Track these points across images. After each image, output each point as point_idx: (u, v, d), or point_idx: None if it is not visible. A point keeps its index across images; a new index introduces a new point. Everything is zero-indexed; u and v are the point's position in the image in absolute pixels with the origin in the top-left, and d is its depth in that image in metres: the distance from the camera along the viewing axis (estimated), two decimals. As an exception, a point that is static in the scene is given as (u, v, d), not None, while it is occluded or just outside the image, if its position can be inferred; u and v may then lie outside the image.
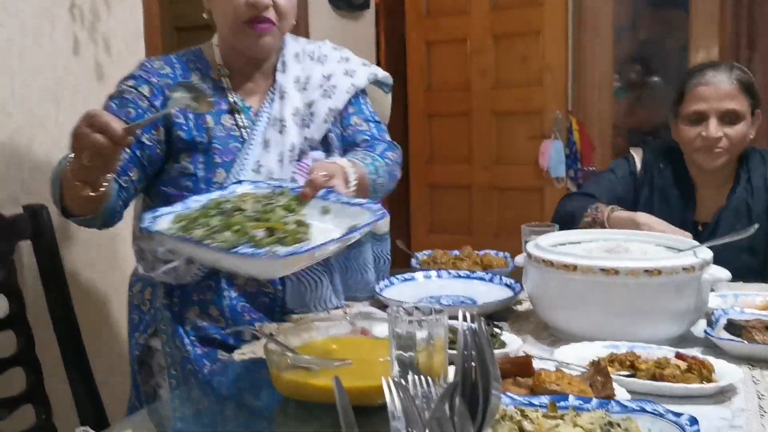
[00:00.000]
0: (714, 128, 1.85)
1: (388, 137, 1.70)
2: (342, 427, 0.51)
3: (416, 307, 1.04)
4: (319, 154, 1.59)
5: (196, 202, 1.29)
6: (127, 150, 1.41)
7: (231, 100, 1.55)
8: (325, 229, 1.24)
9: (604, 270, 1.27)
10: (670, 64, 4.49)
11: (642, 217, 1.75)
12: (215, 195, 1.32)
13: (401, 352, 1.00)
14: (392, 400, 0.57)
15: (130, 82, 1.50)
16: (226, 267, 1.34)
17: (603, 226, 1.82)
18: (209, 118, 1.51)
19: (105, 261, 2.11)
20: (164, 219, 1.22)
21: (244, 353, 1.34)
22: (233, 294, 1.48)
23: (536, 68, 4.21)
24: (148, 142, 1.47)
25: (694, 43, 4.41)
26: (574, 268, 1.30)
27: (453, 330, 1.27)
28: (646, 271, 1.26)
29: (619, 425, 0.86)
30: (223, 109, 1.54)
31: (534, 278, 1.41)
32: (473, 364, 0.57)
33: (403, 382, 0.57)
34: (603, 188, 2.00)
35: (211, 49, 1.60)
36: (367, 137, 1.66)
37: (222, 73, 1.57)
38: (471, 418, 0.54)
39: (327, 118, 1.59)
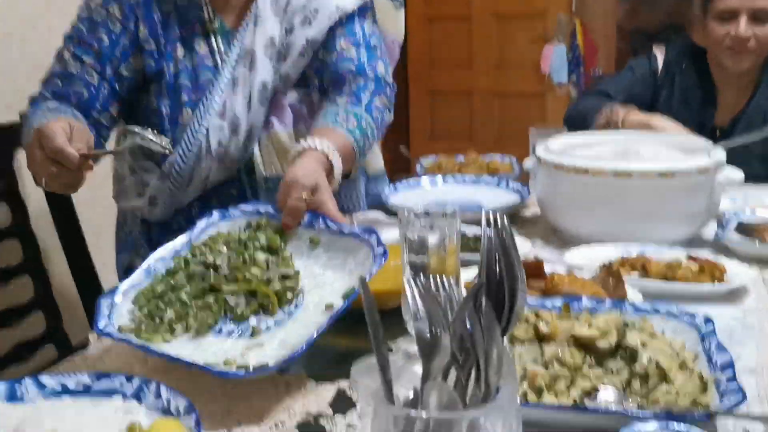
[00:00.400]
0: (744, 27, 1.78)
1: (380, 68, 1.42)
2: (369, 329, 0.50)
3: (427, 212, 1.04)
4: (293, 97, 1.39)
5: (160, 261, 1.02)
6: (106, 83, 1.30)
7: (206, 17, 1.34)
8: (317, 276, 1.01)
9: (616, 173, 1.25)
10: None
11: (658, 120, 1.71)
12: (180, 242, 1.05)
13: (413, 255, 0.99)
14: (414, 300, 0.56)
15: (97, 0, 1.32)
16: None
17: (617, 129, 1.78)
18: (179, 47, 1.32)
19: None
20: (122, 307, 0.94)
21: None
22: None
23: (540, -32, 4.05)
24: (126, 73, 1.32)
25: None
26: (586, 171, 1.28)
27: (466, 237, 1.28)
28: (660, 173, 1.24)
29: (634, 325, 0.86)
30: (196, 32, 1.34)
31: (544, 182, 1.39)
32: (498, 263, 0.55)
33: (425, 282, 0.55)
34: (620, 87, 1.93)
35: None
36: (352, 68, 1.38)
37: None
38: (497, 318, 0.53)
39: (304, 52, 1.36)
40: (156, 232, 1.41)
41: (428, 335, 0.54)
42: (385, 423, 0.47)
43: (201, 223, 1.09)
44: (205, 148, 1.31)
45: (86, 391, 0.77)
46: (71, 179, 1.02)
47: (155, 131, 1.14)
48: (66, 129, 1.01)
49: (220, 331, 0.92)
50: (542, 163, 1.37)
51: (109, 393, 0.76)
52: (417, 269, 0.98)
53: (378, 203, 1.64)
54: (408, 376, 0.56)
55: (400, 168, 1.51)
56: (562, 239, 1.38)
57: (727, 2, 1.81)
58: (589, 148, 1.47)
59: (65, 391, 0.77)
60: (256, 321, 0.93)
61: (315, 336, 0.84)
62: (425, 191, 1.69)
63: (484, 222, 0.57)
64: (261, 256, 1.01)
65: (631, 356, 0.81)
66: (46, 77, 1.33)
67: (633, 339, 0.82)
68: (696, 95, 1.91)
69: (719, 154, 1.31)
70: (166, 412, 0.73)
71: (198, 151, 1.31)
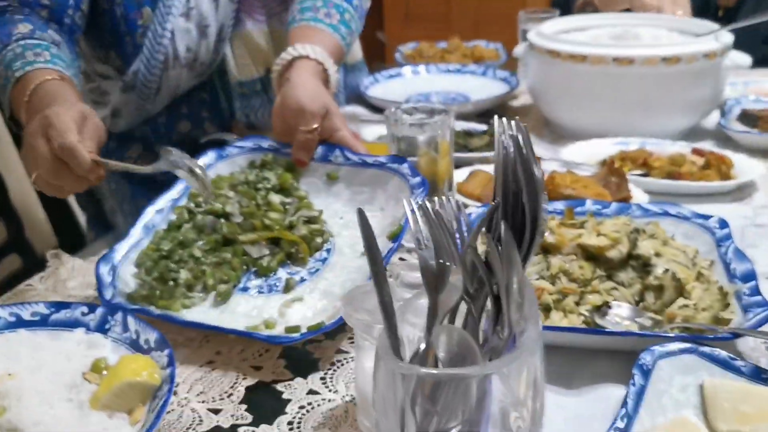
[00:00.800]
0: None
1: None
2: (369, 267, 0.42)
3: (416, 107, 0.94)
4: None
5: (158, 214, 0.87)
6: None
7: None
8: (341, 214, 0.88)
9: (617, 59, 1.15)
10: None
11: None
12: (177, 190, 0.90)
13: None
14: (417, 225, 0.48)
15: None
16: None
17: (593, 5, 1.65)
18: None
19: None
20: (125, 272, 0.80)
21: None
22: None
23: None
24: (79, 21, 1.10)
25: None
26: (584, 58, 1.17)
27: (458, 133, 1.18)
28: (664, 59, 1.14)
29: (644, 231, 0.79)
30: None
31: (536, 70, 1.29)
32: (515, 178, 0.47)
33: (428, 203, 0.47)
34: None
35: None
36: None
37: None
38: (516, 242, 0.45)
39: None
40: (114, 143, 1.25)
41: (435, 266, 0.46)
42: (392, 378, 0.40)
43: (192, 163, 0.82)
44: (172, 55, 1.15)
45: (43, 322, 0.69)
46: (73, 184, 0.80)
47: (197, 164, 0.80)
48: (77, 121, 0.80)
49: (245, 289, 0.79)
50: (535, 50, 1.26)
51: (70, 325, 0.68)
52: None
53: (356, 95, 1.52)
54: (415, 308, 0.49)
55: (375, 56, 1.36)
56: (556, 132, 1.29)
57: None
58: (584, 32, 1.36)
59: (20, 323, 0.69)
60: (286, 273, 0.80)
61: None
62: (407, 82, 1.57)
63: (497, 128, 0.48)
64: (275, 198, 0.87)
65: (644, 266, 0.74)
66: None
67: (645, 248, 0.75)
68: None
69: (726, 36, 1.21)
70: (135, 346, 0.65)
71: (164, 59, 1.15)
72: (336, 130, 0.92)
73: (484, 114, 1.40)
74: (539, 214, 0.46)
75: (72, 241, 1.59)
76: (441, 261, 0.46)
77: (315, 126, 0.90)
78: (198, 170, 0.77)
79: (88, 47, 1.23)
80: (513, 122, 0.49)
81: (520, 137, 0.48)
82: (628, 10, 1.55)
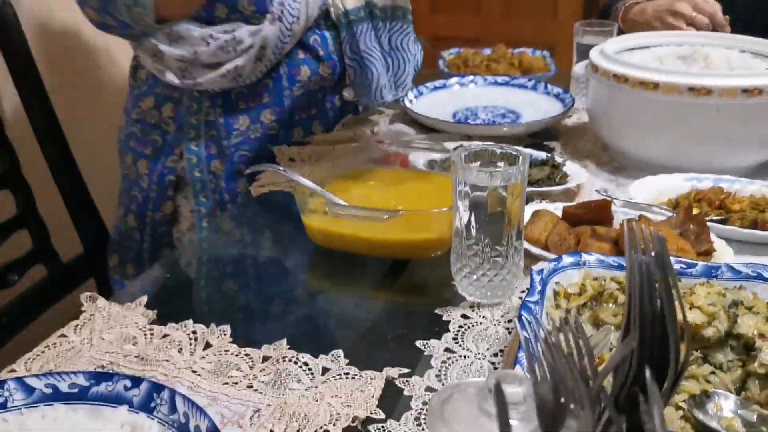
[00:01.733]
0: None
1: None
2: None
3: (482, 149, 0.86)
4: None
5: None
6: None
7: None
8: None
9: (693, 89, 1.06)
10: None
11: (683, 5, 1.47)
12: None
13: (467, 201, 0.83)
14: (529, 350, 0.41)
15: None
16: None
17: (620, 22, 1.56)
18: None
19: (90, 61, 1.85)
20: None
21: (263, 185, 1.16)
22: (296, 90, 1.26)
23: None
24: None
25: None
26: (655, 86, 1.09)
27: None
28: (745, 90, 1.05)
29: (742, 303, 0.71)
30: None
31: (599, 93, 1.20)
32: (650, 307, 0.39)
33: (552, 337, 0.39)
34: None
35: None
36: None
37: None
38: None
39: None
40: (223, 114, 1.25)
41: (553, 405, 0.39)
42: None
43: None
44: None
45: (82, 396, 0.62)
46: None
47: None
48: None
49: None
50: (599, 73, 1.17)
51: (111, 400, 0.62)
52: (472, 214, 0.82)
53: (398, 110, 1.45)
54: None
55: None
56: (616, 161, 1.21)
57: None
58: (647, 51, 1.27)
59: (57, 395, 0.63)
60: None
61: None
62: (454, 95, 1.49)
63: (627, 241, 0.40)
64: None
65: (746, 347, 0.66)
66: None
67: (747, 325, 0.67)
68: None
69: (809, 64, 1.12)
70: (183, 430, 0.59)
71: None
72: None
73: (535, 134, 1.33)
74: (683, 356, 0.39)
75: (98, 247, 1.54)
76: (562, 400, 0.39)
77: None
78: None
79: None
80: (644, 226, 0.41)
81: (659, 250, 0.40)
82: None
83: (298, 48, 1.26)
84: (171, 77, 1.19)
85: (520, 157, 0.80)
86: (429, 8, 4.16)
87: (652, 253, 0.40)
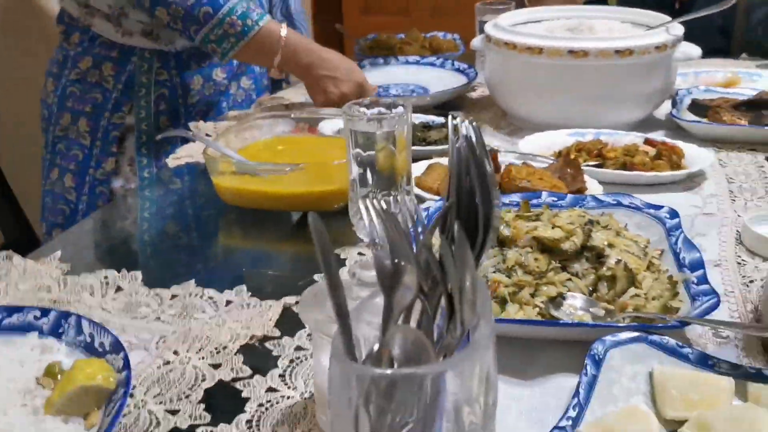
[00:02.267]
0: None
1: None
2: (324, 274, 0.42)
3: (373, 102, 0.94)
4: None
5: None
6: None
7: None
8: None
9: (572, 52, 1.16)
10: None
11: None
12: None
13: (359, 151, 0.90)
14: (372, 224, 0.48)
15: None
16: None
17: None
18: None
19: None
20: None
21: (179, 157, 1.21)
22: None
23: None
24: None
25: None
26: (540, 51, 1.18)
27: (416, 126, 1.19)
28: (617, 51, 1.16)
29: (598, 222, 0.80)
30: None
31: (494, 63, 1.30)
32: (469, 177, 0.47)
33: (383, 203, 0.47)
34: None
35: None
36: None
37: None
38: (469, 242, 0.45)
39: None
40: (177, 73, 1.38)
41: (390, 266, 0.47)
42: (346, 379, 0.40)
43: None
44: None
45: (-5, 327, 0.68)
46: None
47: None
48: None
49: None
50: (492, 42, 1.27)
51: (22, 329, 0.67)
52: (364, 166, 0.90)
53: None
54: (371, 307, 0.49)
55: (333, 47, 1.38)
56: (513, 125, 1.30)
57: None
58: (540, 24, 1.37)
59: (-29, 328, 0.67)
60: None
61: None
62: (367, 75, 1.56)
63: (451, 129, 0.48)
64: None
65: (598, 258, 0.75)
66: None
67: (599, 239, 0.76)
68: None
69: (677, 29, 1.23)
70: (90, 349, 0.64)
71: None
72: None
73: (442, 106, 1.41)
74: (492, 213, 0.47)
75: (21, 238, 1.56)
76: (396, 260, 0.47)
77: None
78: None
79: None
80: (466, 122, 0.49)
81: (473, 137, 0.48)
82: None
83: None
84: (137, 42, 1.33)
85: (404, 107, 0.88)
86: (360, 10, 4.26)
87: (471, 138, 0.48)
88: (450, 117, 0.49)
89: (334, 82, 1.31)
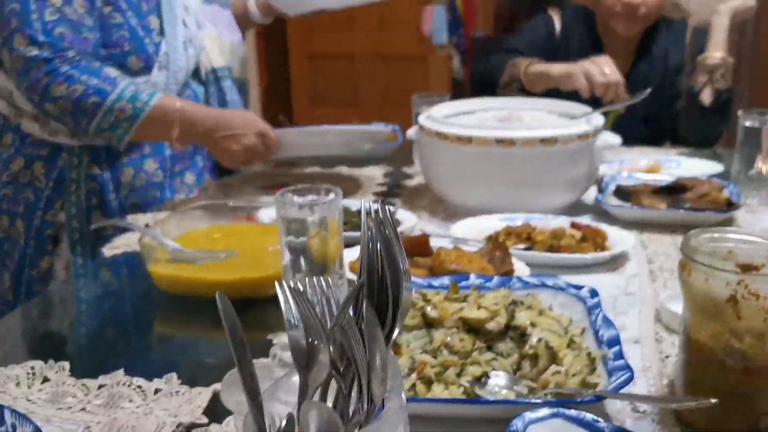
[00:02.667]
0: None
1: None
2: (233, 353, 0.43)
3: (305, 189, 0.97)
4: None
5: None
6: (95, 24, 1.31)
7: None
8: None
9: (499, 141, 1.23)
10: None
11: (556, 68, 1.68)
12: None
13: (292, 238, 0.93)
14: (288, 306, 0.50)
15: None
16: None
17: (520, 83, 1.77)
18: None
19: None
20: None
21: (117, 246, 1.22)
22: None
23: (418, -76, 4.00)
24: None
25: None
26: (469, 140, 1.24)
27: (353, 213, 1.22)
28: (542, 140, 1.22)
29: (522, 303, 0.83)
30: None
31: (427, 152, 1.35)
32: (379, 258, 0.50)
33: (299, 285, 0.49)
34: (525, 42, 1.90)
35: None
36: None
37: None
38: (380, 321, 0.47)
39: None
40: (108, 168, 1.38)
41: (305, 345, 0.48)
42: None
43: None
44: (187, 38, 1.41)
45: None
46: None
47: None
48: None
49: None
50: (425, 132, 1.33)
51: (-60, 421, 0.66)
52: (297, 252, 0.92)
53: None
54: (287, 387, 0.50)
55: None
56: (448, 210, 1.35)
57: None
58: (472, 116, 1.44)
59: None
60: None
61: None
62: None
63: (363, 211, 0.51)
64: None
65: (521, 336, 0.78)
66: (40, 28, 1.25)
67: (522, 318, 0.79)
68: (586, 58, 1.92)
69: (598, 119, 1.31)
70: (10, 440, 0.63)
71: (183, 41, 1.40)
72: None
73: (382, 194, 1.46)
74: (401, 293, 0.49)
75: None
76: (310, 339, 0.48)
77: None
78: None
79: None
80: (377, 204, 0.52)
81: (382, 218, 0.51)
82: (556, 90, 1.67)
83: None
84: (64, 139, 1.34)
85: (334, 194, 0.91)
86: (306, 28, 4.37)
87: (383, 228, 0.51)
88: (362, 201, 0.52)
89: (234, 139, 1.31)
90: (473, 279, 0.92)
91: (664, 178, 1.41)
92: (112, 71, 1.30)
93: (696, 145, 1.80)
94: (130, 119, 1.27)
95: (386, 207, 0.51)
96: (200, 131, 1.32)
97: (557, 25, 1.96)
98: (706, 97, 1.74)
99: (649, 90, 1.44)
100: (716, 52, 1.73)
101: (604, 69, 1.62)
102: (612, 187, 1.37)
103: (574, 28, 1.94)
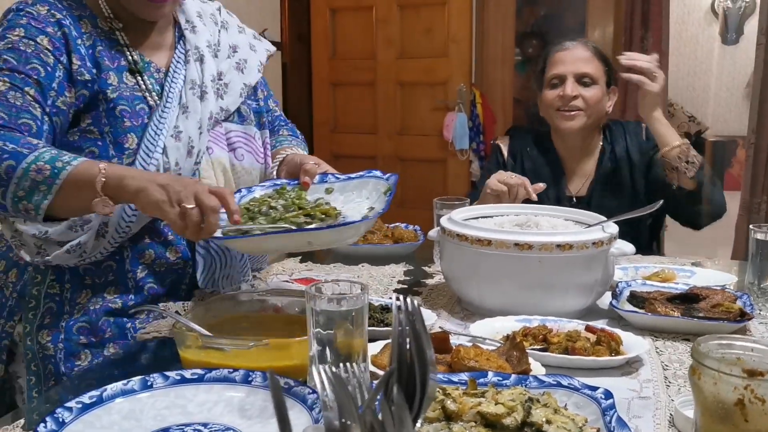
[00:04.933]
0: (570, 87, 1.96)
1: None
2: (278, 426, 0.48)
3: (334, 283, 1.02)
4: (235, 126, 1.49)
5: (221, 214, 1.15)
6: (47, 117, 1.25)
7: (130, 58, 1.36)
8: (347, 202, 1.36)
9: (517, 244, 1.28)
10: (567, 40, 4.61)
11: (491, 180, 1.80)
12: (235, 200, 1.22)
13: (319, 329, 0.97)
14: (324, 388, 0.54)
15: (19, 32, 1.26)
16: (287, 247, 1.44)
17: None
18: (113, 74, 1.32)
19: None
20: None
21: (148, 333, 1.27)
22: (139, 273, 1.34)
23: (441, 39, 4.22)
24: (63, 107, 1.27)
25: (591, 20, 4.55)
26: (489, 242, 1.30)
27: (375, 308, 1.27)
28: (559, 245, 1.28)
29: (538, 401, 0.86)
30: (123, 66, 1.35)
31: (447, 253, 1.41)
32: (408, 348, 0.54)
33: (333, 368, 0.54)
34: (485, 172, 2.05)
35: None
36: (282, 123, 1.68)
37: (115, 26, 1.36)
38: (408, 405, 0.52)
39: (242, 93, 1.50)
40: (70, 289, 1.32)
41: (338, 426, 0.53)
42: None
43: (236, 197, 1.31)
44: (163, 168, 1.32)
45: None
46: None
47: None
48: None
49: None
50: (446, 234, 1.39)
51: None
52: (323, 344, 0.96)
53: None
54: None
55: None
56: (466, 310, 1.39)
57: (554, 70, 2.01)
58: (491, 219, 1.51)
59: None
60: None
61: (377, 214, 1.25)
62: (330, 259, 1.67)
63: (394, 307, 0.56)
64: (303, 200, 1.32)
65: (537, 433, 0.81)
66: None
67: (538, 416, 0.82)
68: (545, 172, 2.04)
69: (612, 227, 1.37)
70: None
71: (156, 170, 1.31)
72: (327, 167, 1.42)
73: (403, 291, 1.51)
74: (428, 380, 0.54)
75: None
76: (343, 420, 0.53)
77: (312, 161, 1.41)
78: None
79: None
80: (409, 299, 0.58)
81: (414, 314, 0.56)
82: (531, 202, 1.75)
83: (145, 231, 1.34)
84: (24, 254, 1.28)
85: (361, 289, 0.97)
86: (330, 129, 4.50)
87: (413, 322, 0.56)
88: (394, 296, 0.57)
89: (169, 203, 1.10)
90: (491, 376, 0.95)
91: (678, 286, 1.45)
92: (33, 140, 1.18)
93: (709, 221, 1.91)
94: (48, 181, 1.13)
95: (415, 301, 0.56)
96: (132, 190, 1.12)
97: (505, 151, 2.13)
98: (688, 184, 1.83)
99: (661, 202, 1.50)
100: (671, 143, 1.84)
101: (510, 175, 1.80)
102: (626, 293, 1.41)
103: (524, 147, 2.10)
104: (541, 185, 1.78)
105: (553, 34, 4.69)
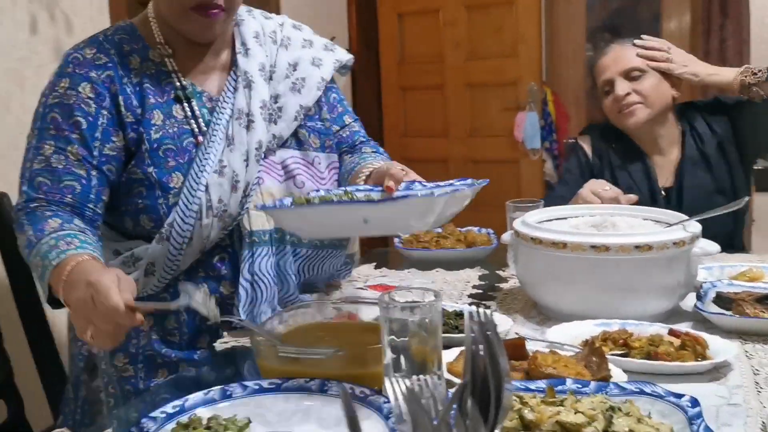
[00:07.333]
0: (620, 87, 1.92)
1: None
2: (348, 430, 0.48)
3: (408, 291, 1.02)
4: (293, 152, 1.43)
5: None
6: (95, 170, 1.27)
7: (178, 84, 1.35)
8: None
9: (594, 246, 1.25)
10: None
11: (584, 191, 1.76)
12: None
13: (394, 337, 0.97)
14: (397, 401, 0.54)
15: (64, 83, 1.28)
16: (342, 227, 1.23)
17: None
18: (157, 113, 1.32)
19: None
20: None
21: (227, 342, 1.30)
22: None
23: (510, 39, 4.17)
24: (111, 153, 1.29)
25: (666, 11, 4.40)
26: (564, 245, 1.27)
27: (449, 314, 1.26)
28: (637, 246, 1.24)
29: (620, 409, 0.84)
30: (171, 99, 1.34)
31: (522, 256, 1.39)
32: (483, 358, 0.54)
33: (407, 382, 0.53)
34: (569, 185, 1.98)
35: (147, 24, 1.37)
36: (363, 139, 1.59)
37: (164, 53, 1.35)
38: (483, 418, 0.51)
39: (297, 116, 1.43)
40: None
41: (412, 437, 0.52)
42: None
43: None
44: (205, 205, 1.30)
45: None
46: (119, 333, 1.02)
47: (208, 293, 1.11)
48: (115, 281, 1.00)
49: None
50: (520, 237, 1.37)
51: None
52: (398, 351, 0.96)
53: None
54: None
55: (378, 240, 1.48)
56: (542, 314, 1.36)
57: (602, 76, 1.97)
58: (565, 221, 1.48)
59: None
60: None
61: (443, 194, 1.13)
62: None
63: (467, 316, 0.56)
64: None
65: (620, 443, 0.78)
66: (27, 176, 1.26)
67: (620, 425, 0.80)
68: (633, 166, 1.98)
69: (694, 226, 1.32)
70: None
71: (198, 209, 1.29)
72: (414, 175, 1.32)
73: (477, 296, 1.49)
74: (503, 391, 0.53)
75: (73, 422, 1.61)
76: (417, 433, 0.52)
77: (400, 167, 1.31)
78: (209, 298, 1.10)
79: (111, 229, 1.36)
80: (482, 310, 0.57)
81: (487, 325, 0.55)
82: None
83: (199, 266, 1.34)
84: None
85: (434, 296, 0.96)
86: (401, 134, 4.51)
87: (486, 332, 0.55)
88: (466, 308, 0.57)
89: (86, 320, 1.03)
90: (570, 384, 0.93)
91: (767, 286, 1.38)
92: (54, 222, 1.19)
93: None
94: (41, 274, 1.14)
95: (489, 312, 0.56)
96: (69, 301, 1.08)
97: (588, 150, 2.06)
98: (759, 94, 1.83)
99: (746, 199, 1.44)
100: (730, 76, 1.86)
101: (604, 186, 1.75)
102: (712, 294, 1.35)
103: (608, 143, 2.03)
104: (633, 197, 1.74)
105: (627, 28, 4.55)
